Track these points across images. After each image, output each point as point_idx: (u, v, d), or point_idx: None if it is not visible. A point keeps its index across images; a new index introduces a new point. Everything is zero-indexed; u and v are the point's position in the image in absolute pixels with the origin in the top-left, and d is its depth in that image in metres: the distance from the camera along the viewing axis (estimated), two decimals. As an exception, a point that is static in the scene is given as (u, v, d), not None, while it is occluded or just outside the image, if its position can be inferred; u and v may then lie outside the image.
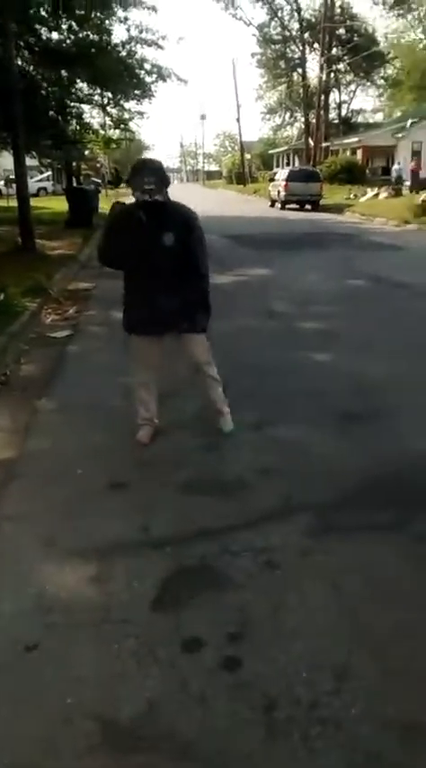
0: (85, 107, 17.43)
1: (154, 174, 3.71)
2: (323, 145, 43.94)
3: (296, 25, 50.23)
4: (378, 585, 2.71)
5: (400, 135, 37.85)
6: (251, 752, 1.95)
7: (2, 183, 34.76)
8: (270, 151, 60.14)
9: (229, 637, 2.42)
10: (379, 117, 58.41)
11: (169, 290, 3.86)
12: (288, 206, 28.72)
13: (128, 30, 14.82)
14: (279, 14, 50.80)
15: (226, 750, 1.96)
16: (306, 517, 3.25)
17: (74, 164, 27.61)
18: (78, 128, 16.78)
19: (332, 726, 2.02)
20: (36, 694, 2.19)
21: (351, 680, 2.20)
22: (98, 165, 42.57)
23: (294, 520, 3.24)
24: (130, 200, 3.92)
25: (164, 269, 3.84)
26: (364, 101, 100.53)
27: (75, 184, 25.61)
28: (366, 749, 1.95)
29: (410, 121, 37.98)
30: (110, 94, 16.24)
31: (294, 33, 50.77)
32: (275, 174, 34.64)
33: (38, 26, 13.75)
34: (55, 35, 14.69)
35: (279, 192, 29.46)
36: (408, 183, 29.85)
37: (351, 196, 30.94)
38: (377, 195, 29.69)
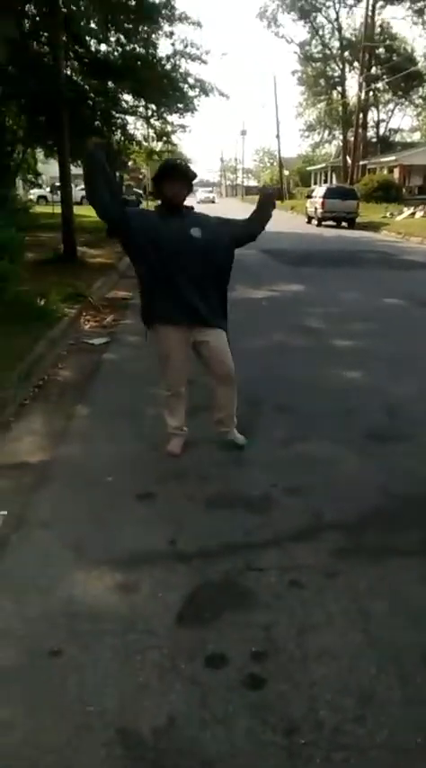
0: (130, 118, 17.58)
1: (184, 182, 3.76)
2: (361, 163, 43.93)
3: (336, 44, 50.55)
4: (406, 610, 2.67)
5: (437, 154, 37.67)
6: (272, 774, 1.93)
7: (48, 189, 35.37)
8: (308, 168, 60.19)
9: (253, 655, 2.40)
10: (417, 136, 58.07)
11: (195, 284, 3.80)
12: (324, 223, 28.71)
13: (173, 44, 14.95)
14: (320, 33, 51.15)
15: (246, 770, 1.94)
16: (333, 537, 3.23)
17: (117, 174, 27.91)
18: (122, 138, 16.91)
19: (355, 752, 1.99)
20: (58, 700, 2.19)
21: (376, 706, 2.16)
22: (140, 176, 43.02)
23: (321, 539, 3.21)
24: None
25: (191, 264, 3.76)
26: (402, 120, 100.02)
27: (117, 194, 25.79)
28: (389, 779, 1.91)
29: (446, 141, 37.80)
30: (153, 107, 16.35)
31: (334, 52, 51.01)
32: (313, 190, 34.65)
33: (87, 37, 13.96)
34: (103, 47, 14.93)
35: (316, 208, 29.47)
36: (444, 203, 29.67)
37: (388, 215, 30.82)
38: (413, 214, 29.54)
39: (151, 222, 3.82)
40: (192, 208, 3.91)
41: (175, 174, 3.76)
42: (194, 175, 3.87)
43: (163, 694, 2.21)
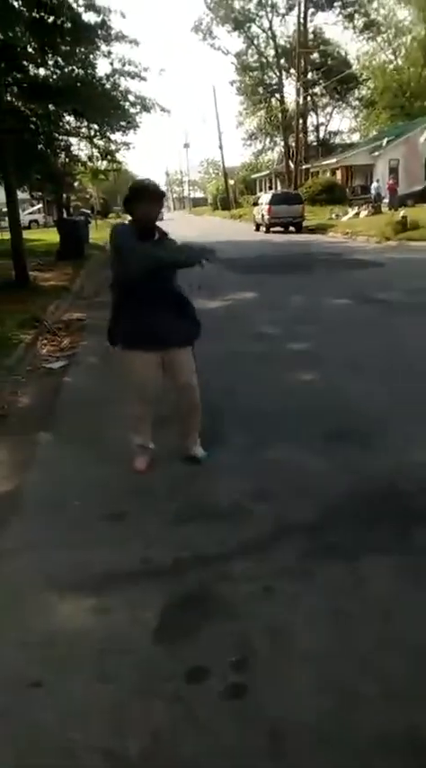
0: (73, 140, 17.57)
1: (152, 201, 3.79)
2: (304, 167, 44.59)
3: (271, 52, 51.28)
4: (377, 605, 2.73)
5: (377, 153, 38.40)
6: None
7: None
8: (253, 175, 60.84)
9: (233, 664, 2.43)
10: (356, 137, 59.13)
11: (167, 306, 3.87)
12: (272, 229, 29.03)
13: (111, 63, 14.98)
14: (255, 42, 51.92)
15: (234, 779, 1.97)
16: (301, 539, 3.28)
17: (64, 195, 27.88)
18: (67, 160, 16.88)
19: (338, 750, 2.04)
20: (42, 731, 2.19)
21: (356, 703, 2.21)
22: (87, 196, 42.93)
23: (290, 542, 3.26)
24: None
25: (164, 286, 3.85)
26: (340, 122, 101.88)
27: (65, 216, 25.90)
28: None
29: (385, 140, 38.61)
30: (96, 126, 16.37)
31: (270, 60, 51.80)
32: (258, 198, 35.05)
33: (25, 63, 13.89)
34: (42, 71, 14.87)
35: (263, 215, 29.83)
36: (387, 201, 30.31)
37: (333, 216, 31.34)
38: (357, 214, 30.09)
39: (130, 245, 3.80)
40: (167, 234, 3.94)
41: (143, 195, 3.76)
42: (163, 193, 3.95)
43: (145, 713, 2.22)
